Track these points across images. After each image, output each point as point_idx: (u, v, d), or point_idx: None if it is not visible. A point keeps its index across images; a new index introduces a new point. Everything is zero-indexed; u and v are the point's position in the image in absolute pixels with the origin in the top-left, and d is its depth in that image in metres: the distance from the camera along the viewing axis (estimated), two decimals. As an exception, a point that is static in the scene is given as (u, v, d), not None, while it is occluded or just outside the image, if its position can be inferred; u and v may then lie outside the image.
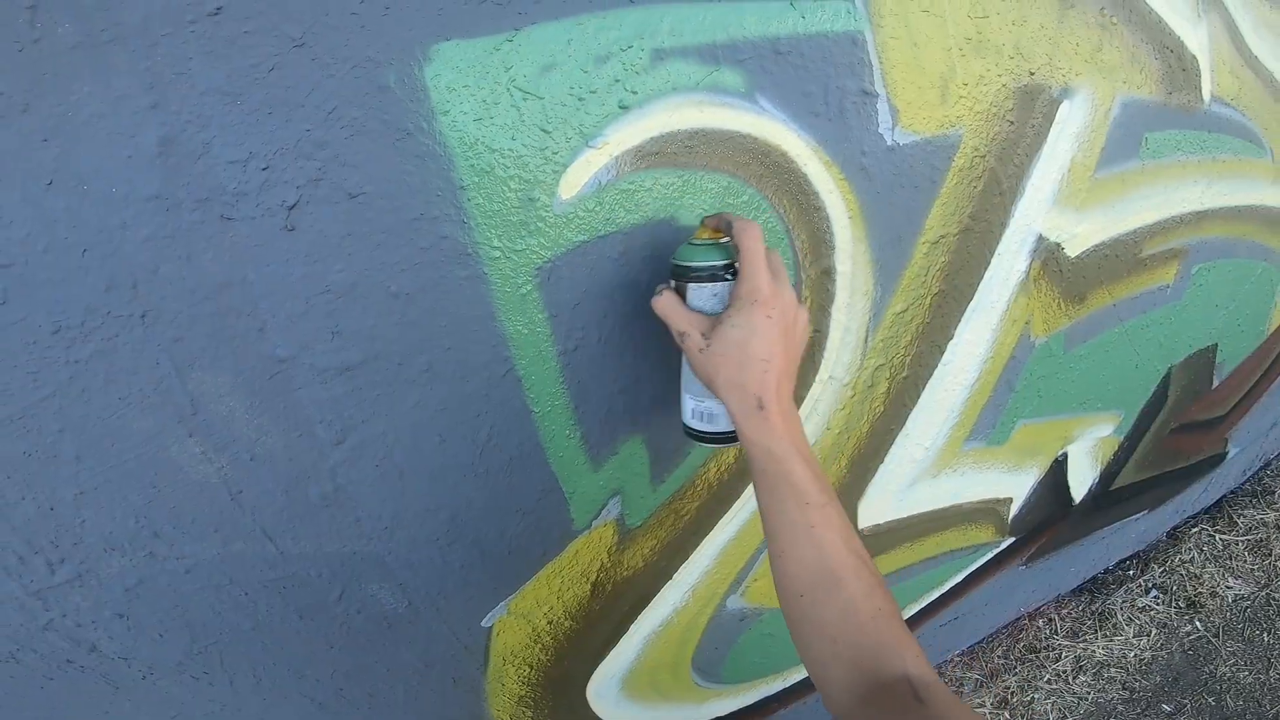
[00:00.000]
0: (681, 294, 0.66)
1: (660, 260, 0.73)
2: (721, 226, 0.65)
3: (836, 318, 0.86)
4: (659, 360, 0.78)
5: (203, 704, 0.86)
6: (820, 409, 0.91)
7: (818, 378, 0.89)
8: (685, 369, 0.69)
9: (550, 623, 0.95)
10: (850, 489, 1.03)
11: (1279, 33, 1.06)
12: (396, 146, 0.59)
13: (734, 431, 0.64)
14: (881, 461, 1.03)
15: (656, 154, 0.69)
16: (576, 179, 0.67)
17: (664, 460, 0.85)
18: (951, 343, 0.97)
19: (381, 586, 0.82)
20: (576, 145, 0.65)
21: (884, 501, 1.09)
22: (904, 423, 1.01)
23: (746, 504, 0.96)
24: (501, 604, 0.89)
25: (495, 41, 0.59)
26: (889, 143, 0.81)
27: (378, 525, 0.77)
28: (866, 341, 0.90)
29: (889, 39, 0.77)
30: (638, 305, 0.74)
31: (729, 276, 0.64)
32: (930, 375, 0.98)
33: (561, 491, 0.82)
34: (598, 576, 0.93)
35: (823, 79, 0.75)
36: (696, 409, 0.69)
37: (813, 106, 0.75)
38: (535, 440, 0.77)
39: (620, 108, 0.66)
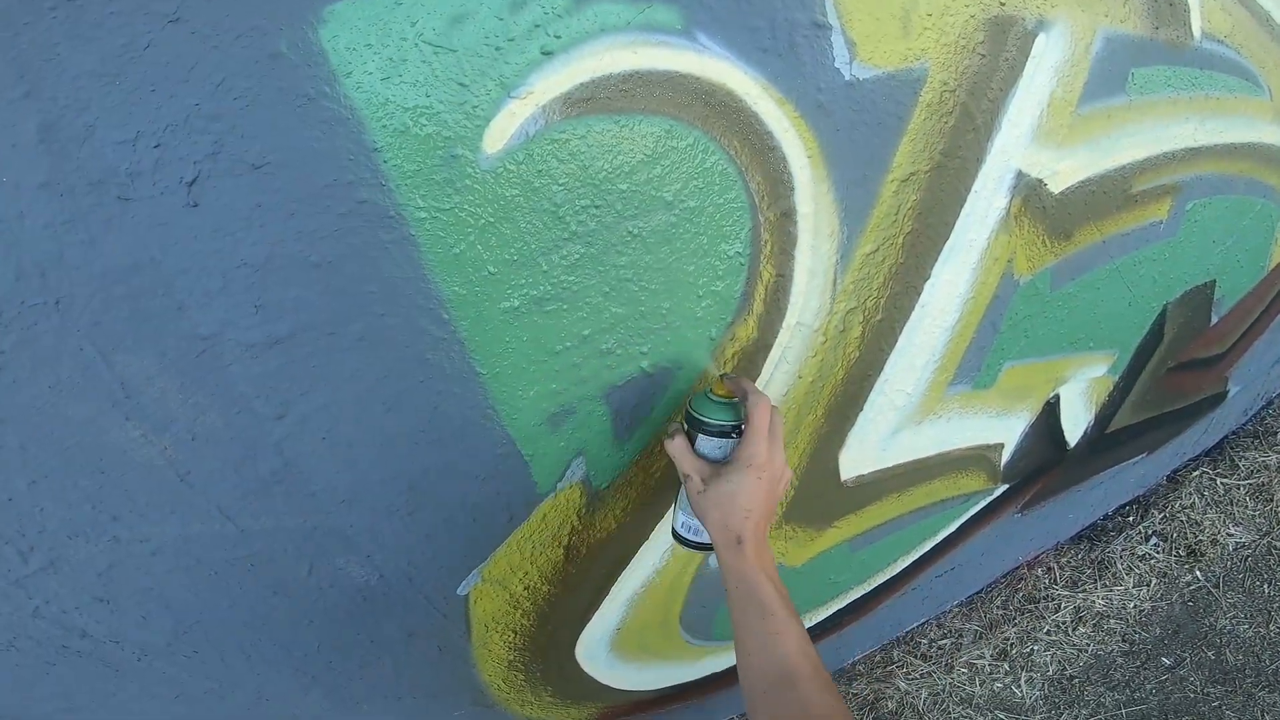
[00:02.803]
0: (691, 438, 0.76)
1: (602, 211, 0.70)
2: (737, 391, 0.76)
3: (800, 260, 0.83)
4: (611, 315, 0.76)
5: (200, 682, 0.87)
6: (790, 356, 0.88)
7: (784, 324, 0.86)
8: (682, 492, 0.79)
9: (527, 588, 0.95)
10: (829, 439, 1.01)
11: (1273, -31, 0.98)
12: (298, 113, 0.56)
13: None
14: (861, 409, 1.00)
15: (588, 100, 0.65)
16: (502, 132, 0.63)
17: (625, 416, 0.83)
18: (928, 283, 0.93)
19: (349, 560, 0.82)
20: (498, 97, 0.62)
21: (867, 451, 1.06)
22: (882, 368, 0.97)
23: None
24: (474, 572, 0.89)
25: (397, -4, 0.56)
26: (847, 78, 0.76)
27: (334, 498, 0.76)
28: (835, 285, 0.86)
29: (840, -34, 0.71)
30: (581, 258, 0.71)
31: (736, 435, 0.75)
32: (907, 318, 0.94)
33: (520, 454, 0.80)
34: (570, 540, 0.92)
35: (768, 12, 0.70)
36: (686, 523, 0.80)
37: (759, 42, 0.70)
38: (487, 403, 0.75)
39: (543, 54, 0.62)
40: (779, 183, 0.77)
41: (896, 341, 0.96)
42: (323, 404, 0.70)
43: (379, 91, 0.57)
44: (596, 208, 0.70)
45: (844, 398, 0.97)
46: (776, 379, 0.89)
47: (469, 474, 0.80)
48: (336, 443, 0.72)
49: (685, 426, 0.78)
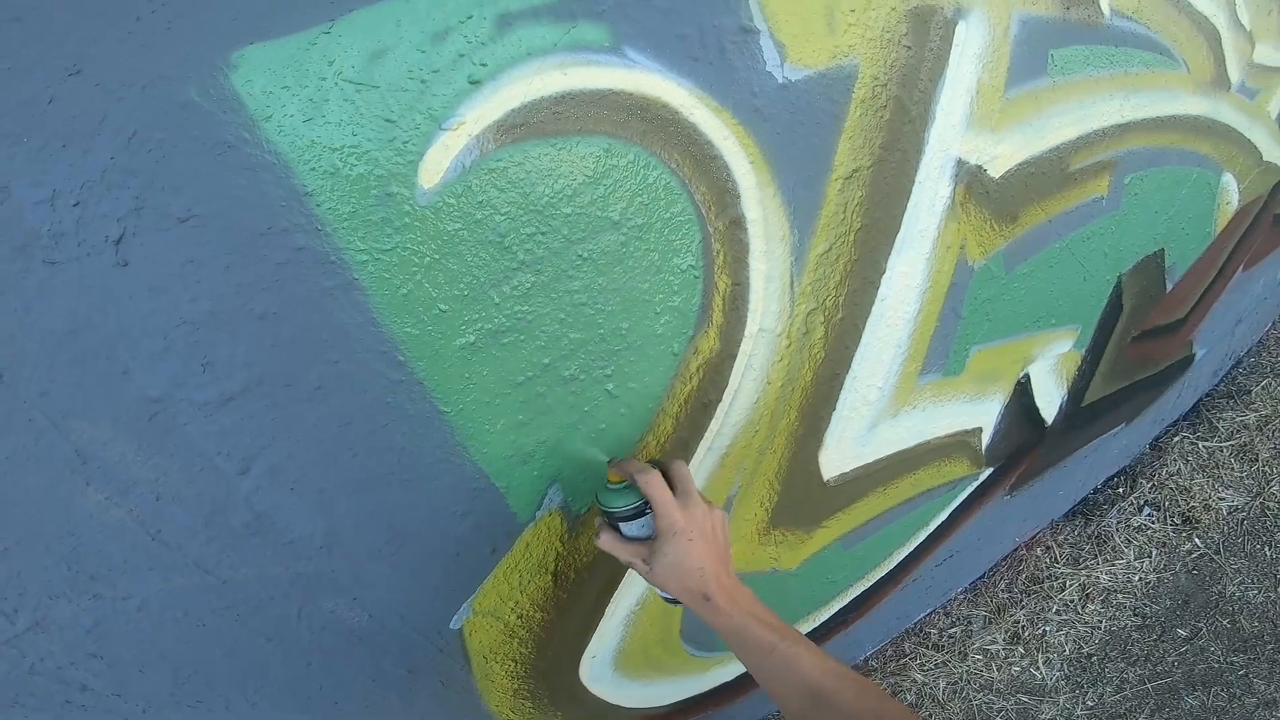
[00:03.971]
0: (616, 528, 0.76)
1: (549, 237, 0.67)
2: (625, 475, 0.74)
3: (755, 267, 0.80)
4: (570, 341, 0.73)
5: (210, 730, 0.82)
6: (755, 364, 0.85)
7: (746, 332, 0.83)
8: None
9: (521, 617, 0.90)
10: (806, 441, 0.97)
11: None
12: (219, 162, 0.53)
13: None
14: (834, 408, 0.97)
15: (522, 126, 0.63)
16: (436, 165, 0.60)
17: (595, 438, 0.80)
18: (885, 277, 0.90)
19: (338, 602, 0.78)
20: (429, 130, 0.59)
21: (846, 449, 1.02)
22: (849, 365, 0.94)
23: (698, 469, 0.90)
24: (464, 605, 0.85)
25: (310, 36, 0.53)
26: (780, 80, 0.74)
27: (312, 545, 0.73)
28: (793, 288, 0.84)
29: (762, -31, 0.70)
30: (532, 287, 0.68)
31: (649, 509, 0.73)
32: (868, 313, 0.92)
33: (495, 487, 0.77)
34: (557, 566, 0.88)
35: (695, 20, 0.68)
36: (663, 593, 0.78)
37: (689, 51, 0.68)
38: (455, 441, 0.72)
39: (471, 83, 0.60)
40: (724, 191, 0.75)
41: (861, 337, 0.93)
42: (287, 455, 0.66)
43: (303, 134, 0.55)
44: (543, 234, 0.67)
45: (815, 398, 0.94)
46: (745, 387, 0.86)
47: (446, 511, 0.76)
48: (306, 492, 0.69)
49: (606, 520, 0.77)
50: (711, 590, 0.70)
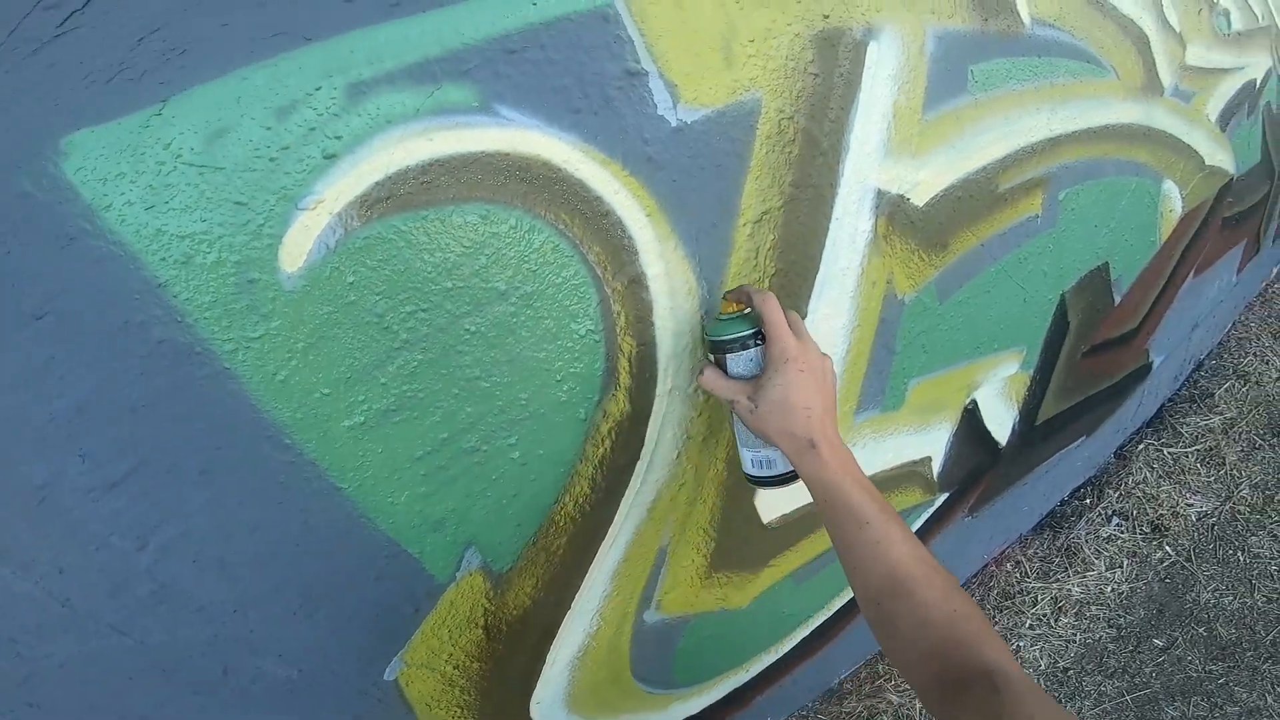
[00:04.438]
0: (721, 365, 0.71)
1: (431, 313, 0.64)
2: (742, 299, 0.70)
3: (662, 325, 0.76)
4: (467, 415, 0.70)
5: (159, 776, 0.81)
6: (672, 421, 0.81)
7: (658, 391, 0.79)
8: (738, 426, 0.74)
9: (457, 668, 0.88)
10: (738, 490, 0.94)
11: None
12: (64, 255, 0.50)
13: (791, 472, 0.71)
14: (764, 454, 0.93)
15: (387, 199, 0.60)
16: (298, 247, 0.57)
17: (507, 504, 0.77)
18: (806, 321, 0.86)
19: (263, 659, 0.76)
20: (285, 211, 0.56)
21: (783, 491, 0.98)
22: (776, 411, 0.90)
23: (624, 523, 0.87)
24: (395, 658, 0.82)
25: (141, 119, 0.50)
26: (674, 123, 0.70)
27: (224, 610, 0.70)
28: (705, 341, 0.80)
29: (648, 5, 0.66)
30: (419, 365, 0.65)
31: (759, 342, 0.69)
32: (792, 359, 0.87)
33: (408, 553, 0.74)
34: (487, 621, 0.85)
35: (574, 69, 0.64)
36: (755, 459, 0.73)
37: (570, 103, 0.65)
38: (358, 514, 0.69)
39: (326, 158, 0.57)
40: (620, 249, 0.71)
41: (786, 383, 0.89)
42: (181, 533, 0.64)
43: (147, 222, 0.52)
44: (424, 311, 0.64)
45: (744, 446, 0.90)
46: (664, 443, 0.83)
47: (360, 575, 0.73)
48: (208, 564, 0.67)
49: (711, 358, 0.73)
50: (817, 437, 0.64)
